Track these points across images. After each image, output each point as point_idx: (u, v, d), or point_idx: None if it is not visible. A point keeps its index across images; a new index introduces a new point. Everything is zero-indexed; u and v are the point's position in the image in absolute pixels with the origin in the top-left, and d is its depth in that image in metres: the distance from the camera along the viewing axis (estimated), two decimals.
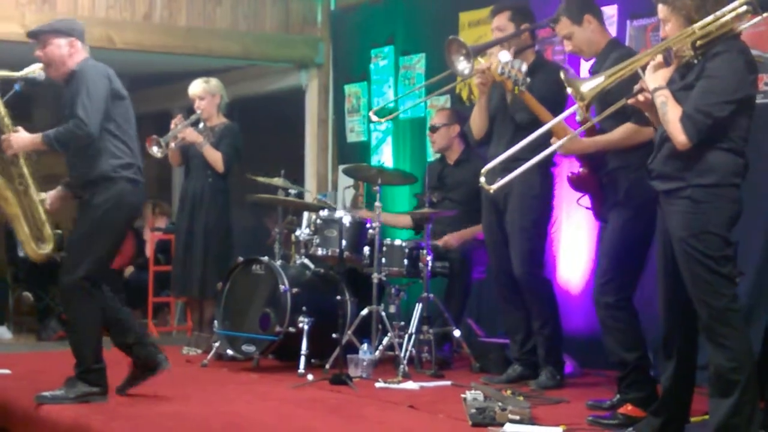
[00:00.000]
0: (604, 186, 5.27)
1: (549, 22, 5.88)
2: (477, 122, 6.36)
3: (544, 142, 4.95)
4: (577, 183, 5.36)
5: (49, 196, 5.71)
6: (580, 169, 5.33)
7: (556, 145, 4.92)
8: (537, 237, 6.11)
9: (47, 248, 5.68)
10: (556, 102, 5.58)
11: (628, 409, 5.08)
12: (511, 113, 6.07)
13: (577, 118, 4.97)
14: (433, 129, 7.39)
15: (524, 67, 5.38)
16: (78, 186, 5.56)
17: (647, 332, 5.64)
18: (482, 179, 4.60)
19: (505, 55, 5.47)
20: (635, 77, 4.38)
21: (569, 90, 4.33)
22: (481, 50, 6.10)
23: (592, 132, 5.12)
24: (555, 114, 5.54)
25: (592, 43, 5.48)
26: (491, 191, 4.73)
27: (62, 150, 5.47)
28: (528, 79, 5.41)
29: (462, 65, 5.94)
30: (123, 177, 5.48)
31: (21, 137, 5.50)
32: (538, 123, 5.65)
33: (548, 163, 6.00)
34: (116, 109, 5.51)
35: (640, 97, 4.34)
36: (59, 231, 5.79)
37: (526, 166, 4.70)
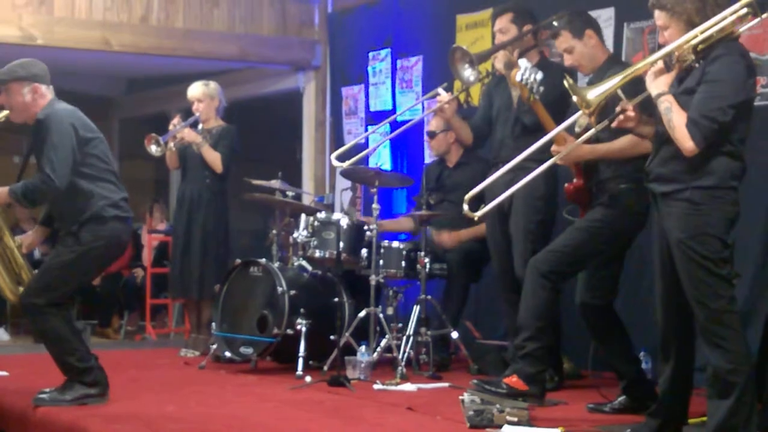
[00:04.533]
0: (593, 195, 5.33)
1: (549, 33, 5.92)
2: (462, 136, 6.55)
3: (545, 149, 4.99)
4: (575, 193, 5.40)
5: (25, 238, 5.68)
6: (575, 180, 5.37)
7: (561, 153, 4.92)
8: (541, 239, 6.11)
9: None
10: (563, 103, 5.56)
11: (513, 380, 5.23)
12: (518, 115, 6.09)
13: (576, 128, 5.01)
14: (431, 135, 7.41)
15: (539, 76, 5.38)
16: (66, 227, 5.47)
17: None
18: (465, 207, 4.66)
19: (525, 61, 5.44)
20: (636, 82, 4.40)
21: (574, 98, 4.33)
22: (485, 57, 6.12)
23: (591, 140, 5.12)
24: (560, 116, 5.55)
25: (593, 58, 5.50)
26: (476, 218, 4.78)
27: (30, 206, 5.42)
28: (541, 89, 5.42)
29: (467, 72, 5.98)
30: (113, 216, 5.44)
31: None
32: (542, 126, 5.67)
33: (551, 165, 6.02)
34: (90, 150, 5.44)
35: (621, 117, 4.38)
36: (36, 271, 5.68)
37: (528, 178, 4.76)
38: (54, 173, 5.26)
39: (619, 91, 4.35)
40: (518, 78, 5.41)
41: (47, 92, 5.50)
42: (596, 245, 5.31)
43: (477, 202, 5.17)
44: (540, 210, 6.05)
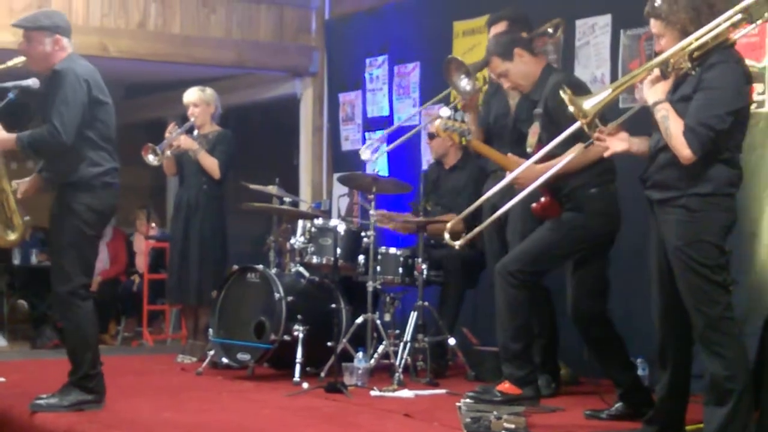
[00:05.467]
0: (563, 204, 5.38)
1: (481, 64, 6.05)
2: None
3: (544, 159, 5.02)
4: (544, 211, 5.44)
5: (21, 184, 5.64)
6: (542, 199, 5.40)
7: (528, 189, 4.95)
8: None
9: (14, 236, 5.59)
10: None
11: (505, 386, 5.24)
12: (515, 123, 6.12)
13: (528, 149, 5.08)
14: (431, 137, 7.41)
15: (467, 117, 5.47)
16: (55, 185, 5.50)
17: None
18: (446, 236, 4.76)
19: (445, 111, 5.59)
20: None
21: (570, 108, 4.34)
22: (480, 67, 6.16)
23: (543, 158, 5.15)
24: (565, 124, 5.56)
25: (529, 75, 5.56)
26: (457, 247, 4.83)
27: (34, 155, 5.43)
28: (471, 128, 5.53)
29: (464, 83, 6.08)
30: (101, 183, 5.41)
31: None
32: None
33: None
34: (97, 114, 5.42)
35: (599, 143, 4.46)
36: (28, 218, 5.74)
37: (524, 193, 4.86)
38: (63, 127, 5.25)
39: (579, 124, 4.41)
40: (443, 128, 5.51)
41: (68, 45, 5.50)
42: (566, 245, 5.36)
43: (471, 217, 5.24)
44: (533, 219, 6.03)
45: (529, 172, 5.08)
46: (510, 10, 6.34)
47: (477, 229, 5.00)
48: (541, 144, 5.07)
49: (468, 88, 6.07)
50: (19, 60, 5.53)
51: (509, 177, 5.00)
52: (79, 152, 5.36)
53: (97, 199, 5.41)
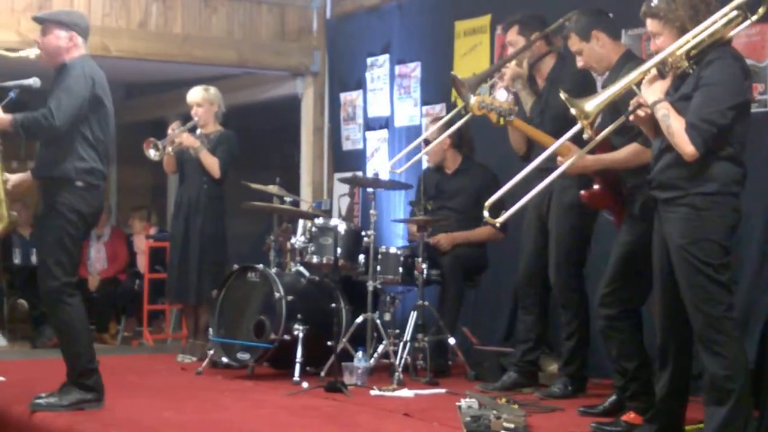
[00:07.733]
0: (623, 200, 5.19)
1: (480, 77, 5.92)
2: (514, 143, 6.28)
3: (552, 158, 4.90)
4: (592, 200, 5.27)
5: (13, 178, 5.64)
6: (595, 187, 5.24)
7: (564, 165, 4.81)
8: (574, 246, 5.94)
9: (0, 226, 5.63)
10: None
11: (630, 416, 5.08)
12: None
13: (584, 136, 4.91)
14: (427, 143, 7.34)
15: (510, 97, 5.26)
16: (40, 177, 5.51)
17: (646, 341, 5.64)
18: (486, 213, 4.50)
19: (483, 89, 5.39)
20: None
21: (572, 110, 4.30)
22: (483, 79, 6.01)
23: (603, 148, 5.02)
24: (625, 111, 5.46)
25: (602, 60, 5.37)
26: (497, 225, 4.68)
27: (26, 137, 5.40)
28: (516, 108, 5.28)
29: (468, 96, 5.87)
30: (85, 183, 5.40)
31: None
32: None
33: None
34: (95, 114, 5.44)
35: (640, 113, 4.34)
36: (15, 213, 5.74)
37: (534, 192, 4.63)
38: (57, 112, 5.27)
39: (634, 87, 4.35)
40: (478, 106, 5.30)
41: (82, 45, 5.56)
42: (643, 264, 4.92)
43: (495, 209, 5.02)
44: (570, 217, 5.88)
45: (580, 161, 4.95)
46: (522, 12, 6.22)
47: (514, 208, 4.66)
48: (598, 131, 4.88)
49: (472, 101, 5.95)
50: (33, 51, 5.57)
51: (564, 165, 4.76)
52: (68, 145, 5.37)
53: (81, 201, 5.41)
